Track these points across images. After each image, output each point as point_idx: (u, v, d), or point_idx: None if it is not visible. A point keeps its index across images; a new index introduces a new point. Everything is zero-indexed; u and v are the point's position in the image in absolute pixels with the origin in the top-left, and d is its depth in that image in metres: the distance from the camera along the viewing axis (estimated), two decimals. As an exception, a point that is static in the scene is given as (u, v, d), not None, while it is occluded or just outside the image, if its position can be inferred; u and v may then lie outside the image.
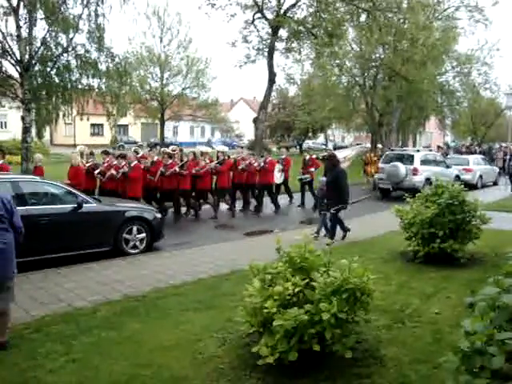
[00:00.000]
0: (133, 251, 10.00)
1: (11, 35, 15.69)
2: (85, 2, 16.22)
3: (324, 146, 55.08)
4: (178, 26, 39.82)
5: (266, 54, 25.51)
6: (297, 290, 4.46)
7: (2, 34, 15.54)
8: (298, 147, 53.48)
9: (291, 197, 18.21)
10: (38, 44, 15.96)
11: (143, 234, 10.22)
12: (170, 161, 14.37)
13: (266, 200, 16.68)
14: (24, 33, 15.69)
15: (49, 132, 42.32)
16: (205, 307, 6.48)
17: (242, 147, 32.00)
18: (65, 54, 16.39)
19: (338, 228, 11.04)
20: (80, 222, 9.38)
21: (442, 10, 34.67)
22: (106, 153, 14.95)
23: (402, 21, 28.64)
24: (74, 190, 9.78)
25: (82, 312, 6.33)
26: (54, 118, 17.45)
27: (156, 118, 43.37)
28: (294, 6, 24.77)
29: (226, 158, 15.77)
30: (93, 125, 53.25)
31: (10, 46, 15.66)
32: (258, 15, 24.90)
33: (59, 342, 5.36)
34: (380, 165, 21.35)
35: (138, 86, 37.01)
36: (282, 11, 24.28)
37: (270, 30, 24.99)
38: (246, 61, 26.43)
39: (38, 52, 15.93)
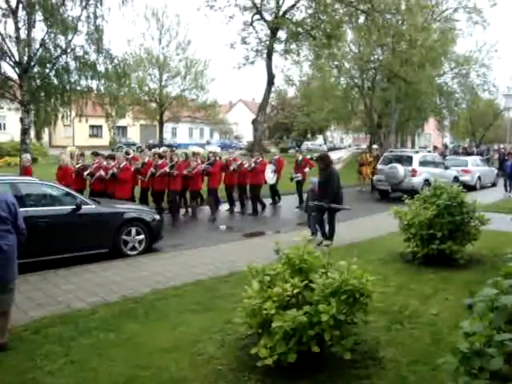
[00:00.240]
0: (131, 253, 9.99)
1: (10, 37, 15.70)
2: (83, 4, 16.23)
3: (319, 147, 55.15)
4: (177, 27, 39.92)
5: (264, 55, 25.58)
6: (296, 291, 4.46)
7: (1, 35, 15.55)
8: (296, 148, 53.54)
9: (279, 198, 18.13)
10: (37, 46, 15.97)
11: (142, 236, 10.21)
12: (161, 162, 14.23)
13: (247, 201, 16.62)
14: (23, 34, 15.70)
15: (47, 133, 42.35)
16: (203, 309, 6.47)
17: (241, 148, 32.05)
18: (63, 56, 16.39)
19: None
20: (79, 223, 9.36)
21: (441, 12, 34.79)
22: (95, 154, 14.89)
23: (400, 22, 28.73)
24: (72, 192, 9.77)
25: (81, 313, 6.32)
26: (53, 119, 17.45)
27: (155, 119, 43.42)
28: (292, 7, 24.83)
29: (218, 158, 15.69)
30: (91, 126, 53.28)
31: (8, 48, 15.67)
32: (257, 17, 24.98)
33: (58, 343, 5.35)
34: (379, 166, 21.34)
35: (136, 88, 37.07)
36: (280, 13, 24.35)
37: (268, 32, 25.05)
38: (244, 62, 26.53)
39: (37, 54, 15.93)
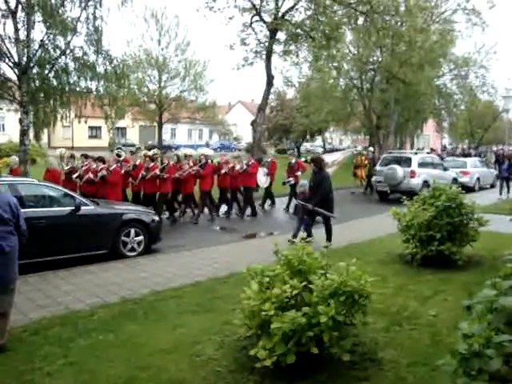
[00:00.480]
0: (131, 254, 10.00)
1: (9, 38, 15.67)
2: (83, 5, 16.21)
3: (315, 149, 55.17)
4: (176, 28, 39.87)
5: (263, 56, 25.56)
6: (294, 292, 4.46)
7: (0, 36, 15.53)
8: (295, 150, 53.56)
9: (273, 202, 17.97)
10: (36, 46, 15.94)
11: (141, 237, 10.22)
12: (152, 164, 14.11)
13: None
14: (22, 35, 15.67)
15: (46, 134, 42.31)
16: (202, 310, 6.47)
17: (239, 150, 32.02)
18: (63, 57, 16.36)
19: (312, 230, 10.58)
20: (78, 224, 9.37)
21: (440, 13, 34.81)
22: (85, 156, 14.73)
23: (399, 24, 28.73)
24: (71, 193, 9.77)
25: (80, 315, 6.32)
26: (52, 120, 17.40)
27: (154, 120, 43.37)
28: (291, 8, 24.82)
29: (210, 161, 15.48)
30: (91, 127, 53.19)
31: (7, 49, 15.64)
32: (256, 18, 24.96)
33: (57, 344, 5.35)
34: (378, 167, 21.36)
35: (135, 89, 37.04)
36: (279, 14, 24.33)
37: (267, 33, 25.03)
38: (243, 63, 26.48)
39: (36, 54, 15.90)
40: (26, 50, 15.69)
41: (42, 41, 15.86)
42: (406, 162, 20.44)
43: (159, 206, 13.93)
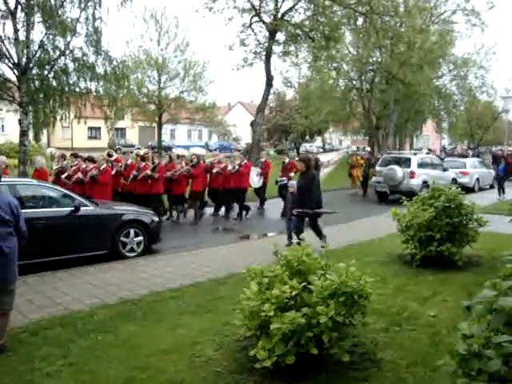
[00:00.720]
0: (130, 254, 10.00)
1: (9, 38, 15.68)
2: (82, 6, 16.23)
3: (310, 149, 55.17)
4: (176, 29, 39.84)
5: (263, 57, 25.57)
6: (294, 293, 4.46)
7: (0, 37, 15.54)
8: (295, 150, 53.59)
9: (262, 203, 17.53)
10: (36, 47, 15.96)
11: (140, 237, 10.22)
12: (143, 164, 13.84)
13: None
14: (21, 36, 15.68)
15: (46, 135, 42.29)
16: (202, 310, 6.47)
17: (239, 150, 31.98)
18: (62, 58, 16.38)
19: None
20: (77, 225, 9.37)
21: (439, 14, 34.87)
22: (74, 155, 14.48)
23: (398, 24, 28.75)
24: (71, 193, 9.77)
25: (79, 315, 6.31)
26: (52, 121, 17.41)
27: (153, 121, 43.35)
28: (291, 9, 24.84)
29: (201, 161, 15.21)
30: (90, 128, 53.15)
31: (7, 49, 15.66)
32: (256, 19, 24.98)
33: (56, 345, 5.35)
34: (377, 168, 21.37)
35: (135, 90, 37.01)
36: (279, 15, 24.35)
37: (267, 34, 25.05)
38: (243, 64, 26.48)
39: (36, 55, 15.92)
40: (25, 50, 15.70)
41: (41, 41, 15.88)
42: (406, 162, 20.47)
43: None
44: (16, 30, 15.53)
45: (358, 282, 4.52)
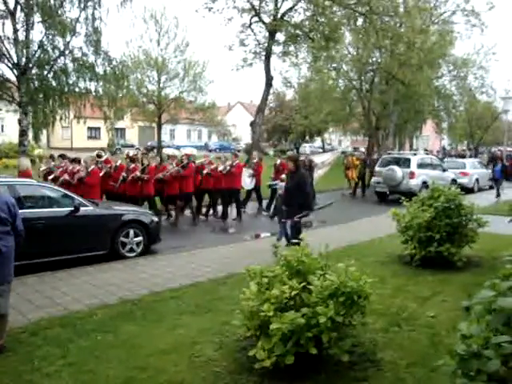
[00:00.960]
0: (130, 254, 9.99)
1: (8, 38, 15.69)
2: (82, 6, 16.24)
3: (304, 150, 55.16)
4: (175, 29, 39.78)
5: (263, 57, 25.59)
6: (294, 293, 4.46)
7: (-1, 37, 15.55)
8: (295, 150, 53.61)
9: (244, 205, 16.84)
10: (35, 47, 15.96)
11: (140, 238, 10.22)
12: (133, 165, 13.63)
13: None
14: (21, 36, 15.69)
15: (46, 135, 42.31)
16: (202, 311, 6.47)
17: (238, 151, 31.94)
18: (62, 58, 16.39)
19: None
20: (77, 225, 9.36)
21: (439, 14, 34.87)
22: (62, 156, 14.31)
23: (398, 25, 28.77)
24: (70, 193, 9.77)
25: (79, 315, 6.31)
26: (51, 121, 17.41)
27: (153, 121, 43.33)
28: (291, 9, 24.87)
29: (192, 162, 14.91)
30: (90, 128, 53.13)
31: (7, 49, 15.66)
32: (255, 19, 25.01)
33: (56, 345, 5.35)
34: (377, 168, 21.37)
35: (135, 90, 37.01)
36: (279, 15, 24.38)
37: (267, 34, 25.07)
38: (243, 64, 26.52)
39: (35, 55, 15.93)
40: (25, 50, 15.71)
41: (41, 41, 15.89)
42: (405, 162, 20.47)
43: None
44: (15, 30, 15.53)
45: (357, 282, 4.53)
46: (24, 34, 15.73)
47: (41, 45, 15.89)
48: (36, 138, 19.01)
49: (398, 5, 27.10)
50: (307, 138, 56.66)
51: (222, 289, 7.49)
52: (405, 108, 35.12)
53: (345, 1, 24.05)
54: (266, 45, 25.02)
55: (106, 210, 10.24)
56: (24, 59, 15.68)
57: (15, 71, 15.76)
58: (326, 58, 28.43)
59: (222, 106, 65.45)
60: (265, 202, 16.96)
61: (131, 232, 10.10)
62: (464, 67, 37.04)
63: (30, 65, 15.85)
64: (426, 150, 36.68)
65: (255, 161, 17.50)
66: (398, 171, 19.82)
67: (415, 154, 22.63)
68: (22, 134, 16.13)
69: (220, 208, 15.79)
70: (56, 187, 10.02)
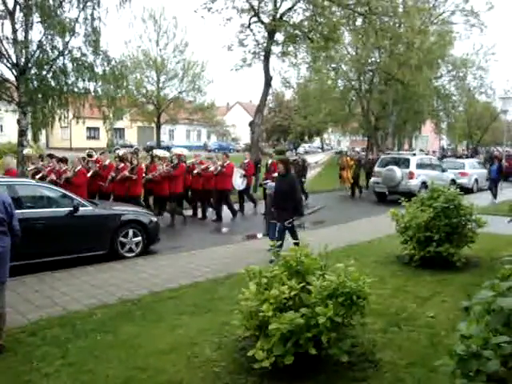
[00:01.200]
0: (129, 254, 9.99)
1: (7, 38, 15.65)
2: (81, 6, 16.20)
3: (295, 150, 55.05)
4: (174, 29, 39.97)
5: (262, 57, 25.56)
6: (293, 293, 4.46)
7: (-2, 37, 15.52)
8: (294, 151, 53.57)
9: (241, 208, 16.78)
10: (34, 47, 15.93)
11: (139, 238, 10.21)
12: (122, 165, 13.38)
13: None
14: (20, 36, 15.65)
15: (45, 135, 42.28)
16: (201, 311, 6.47)
17: (238, 151, 31.92)
18: (61, 58, 16.34)
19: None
20: (76, 225, 9.35)
21: (438, 15, 34.92)
22: (50, 156, 14.23)
23: (397, 25, 28.81)
24: (70, 194, 9.76)
25: (78, 315, 6.31)
26: (50, 121, 17.37)
27: (152, 121, 43.38)
28: (290, 9, 24.85)
29: (183, 162, 14.81)
30: (89, 128, 53.12)
31: (5, 49, 15.63)
32: (254, 19, 24.97)
33: (55, 345, 5.35)
34: (376, 168, 21.36)
35: (134, 90, 37.05)
36: (278, 15, 24.35)
37: (266, 34, 25.04)
38: (242, 64, 26.49)
39: (34, 55, 15.89)
40: (24, 50, 15.67)
41: (40, 41, 15.85)
42: (405, 163, 20.47)
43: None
44: (14, 30, 15.51)
45: (356, 282, 4.53)
46: (23, 33, 15.70)
47: (40, 45, 15.85)
48: (35, 138, 18.98)
49: (397, 5, 27.10)
50: (306, 138, 56.64)
51: (221, 289, 7.49)
52: (404, 108, 35.17)
53: (344, 1, 24.02)
54: (265, 45, 24.99)
55: (105, 210, 10.24)
56: (23, 59, 15.65)
57: (14, 71, 15.73)
58: (325, 58, 28.48)
59: (221, 106, 65.52)
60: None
61: (130, 232, 10.09)
62: (463, 67, 37.11)
63: (29, 65, 15.81)
64: (421, 150, 36.65)
65: (246, 161, 17.43)
66: (398, 171, 19.82)
67: (414, 155, 22.63)
68: (21, 134, 16.09)
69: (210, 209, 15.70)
70: (55, 187, 10.00)
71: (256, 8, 24.44)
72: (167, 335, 5.63)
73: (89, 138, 56.78)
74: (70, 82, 16.69)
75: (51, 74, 16.36)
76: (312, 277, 4.68)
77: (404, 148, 43.55)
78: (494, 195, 19.79)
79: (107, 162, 14.17)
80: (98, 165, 13.86)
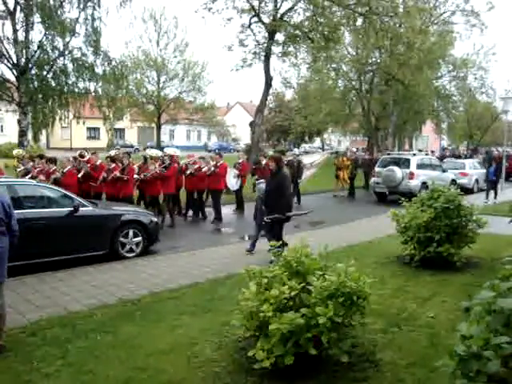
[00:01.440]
0: (129, 255, 9.98)
1: (8, 39, 15.71)
2: (81, 6, 16.25)
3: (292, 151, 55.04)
4: (175, 29, 39.99)
5: (262, 57, 25.58)
6: (293, 293, 4.46)
7: (-1, 37, 15.56)
8: (295, 150, 53.55)
9: (239, 207, 16.69)
10: (35, 47, 15.98)
11: (139, 238, 10.21)
12: (113, 165, 13.13)
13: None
14: (21, 36, 15.71)
15: (45, 135, 42.28)
16: (201, 311, 6.47)
17: (238, 151, 31.90)
18: (61, 58, 16.40)
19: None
20: (76, 225, 9.35)
21: (438, 15, 34.92)
22: (40, 157, 14.12)
23: (398, 25, 28.76)
24: (70, 194, 9.76)
25: (78, 316, 6.31)
26: (51, 121, 17.42)
27: (152, 121, 43.39)
28: (290, 10, 24.86)
29: (176, 163, 14.62)
30: (89, 128, 53.13)
31: (6, 50, 15.67)
32: (255, 19, 24.99)
33: (55, 345, 5.34)
34: (376, 169, 21.34)
35: (134, 90, 37.07)
36: (278, 15, 24.37)
37: (266, 34, 25.06)
38: (242, 64, 26.49)
39: (35, 55, 15.94)
40: (24, 51, 15.72)
41: (40, 42, 15.90)
42: (405, 163, 20.45)
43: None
44: (15, 31, 15.55)
45: (356, 282, 4.53)
46: (24, 34, 15.75)
47: (40, 45, 15.90)
48: (35, 138, 19.00)
49: (397, 5, 27.06)
50: (306, 138, 56.63)
51: (221, 289, 7.48)
52: (404, 108, 35.17)
53: (344, 1, 24.03)
54: (266, 45, 25.01)
55: (105, 211, 10.23)
56: (23, 59, 15.69)
57: (15, 71, 15.78)
58: (325, 58, 28.46)
59: (221, 106, 65.62)
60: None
61: (130, 232, 10.09)
62: (464, 67, 37.09)
63: (30, 65, 15.86)
64: (420, 150, 36.64)
65: (240, 161, 17.31)
66: (398, 172, 19.80)
67: (414, 155, 22.61)
68: (22, 134, 16.14)
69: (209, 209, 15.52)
70: (55, 187, 9.99)
71: (256, 8, 24.46)
72: (167, 335, 5.63)
73: (89, 138, 56.80)
74: (70, 82, 16.75)
75: (52, 74, 16.41)
76: (312, 277, 4.67)
77: (404, 148, 43.53)
78: (495, 195, 19.81)
79: (98, 163, 14.07)
80: (89, 165, 13.75)
